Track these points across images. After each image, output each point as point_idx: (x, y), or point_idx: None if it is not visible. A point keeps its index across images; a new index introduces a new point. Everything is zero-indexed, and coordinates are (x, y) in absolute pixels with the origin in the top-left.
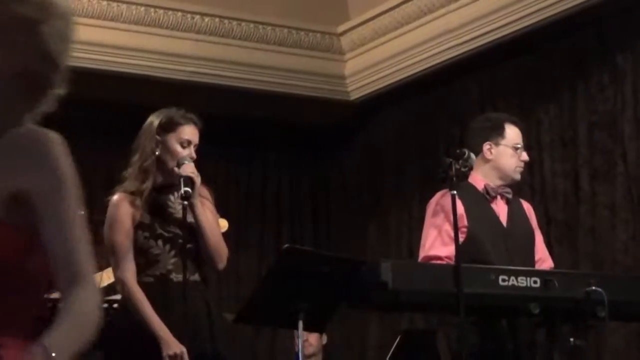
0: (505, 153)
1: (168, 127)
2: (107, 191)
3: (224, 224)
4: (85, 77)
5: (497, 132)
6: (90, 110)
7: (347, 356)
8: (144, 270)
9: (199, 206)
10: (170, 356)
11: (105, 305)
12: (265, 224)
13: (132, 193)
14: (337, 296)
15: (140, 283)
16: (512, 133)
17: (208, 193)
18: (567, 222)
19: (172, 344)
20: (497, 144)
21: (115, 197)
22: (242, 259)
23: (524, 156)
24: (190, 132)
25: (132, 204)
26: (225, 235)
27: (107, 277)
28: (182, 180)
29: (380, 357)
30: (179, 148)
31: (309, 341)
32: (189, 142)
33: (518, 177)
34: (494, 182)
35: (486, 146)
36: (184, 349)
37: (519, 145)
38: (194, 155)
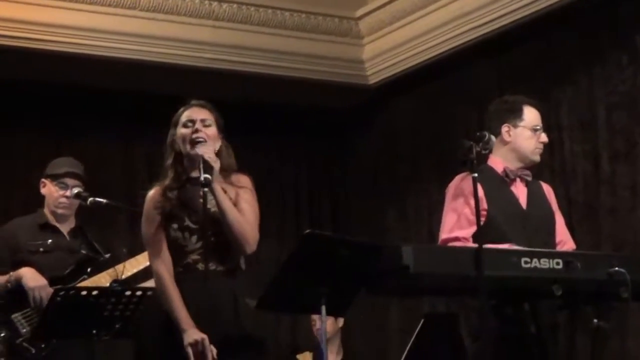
0: (524, 135)
1: (175, 122)
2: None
3: None
4: (100, 66)
5: (515, 114)
6: (109, 99)
7: (368, 341)
8: (175, 261)
9: (220, 192)
10: (191, 344)
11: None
12: (285, 209)
13: (166, 187)
14: (357, 281)
15: (174, 274)
16: (531, 115)
17: (248, 181)
18: (588, 204)
19: (192, 333)
20: (515, 126)
21: (150, 192)
22: (262, 245)
23: (543, 137)
24: (188, 113)
25: (165, 197)
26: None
27: (130, 266)
28: (201, 166)
29: (402, 341)
30: (184, 130)
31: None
32: (192, 121)
33: (537, 158)
34: (513, 164)
35: (504, 128)
36: (204, 336)
37: (538, 127)
38: (200, 128)
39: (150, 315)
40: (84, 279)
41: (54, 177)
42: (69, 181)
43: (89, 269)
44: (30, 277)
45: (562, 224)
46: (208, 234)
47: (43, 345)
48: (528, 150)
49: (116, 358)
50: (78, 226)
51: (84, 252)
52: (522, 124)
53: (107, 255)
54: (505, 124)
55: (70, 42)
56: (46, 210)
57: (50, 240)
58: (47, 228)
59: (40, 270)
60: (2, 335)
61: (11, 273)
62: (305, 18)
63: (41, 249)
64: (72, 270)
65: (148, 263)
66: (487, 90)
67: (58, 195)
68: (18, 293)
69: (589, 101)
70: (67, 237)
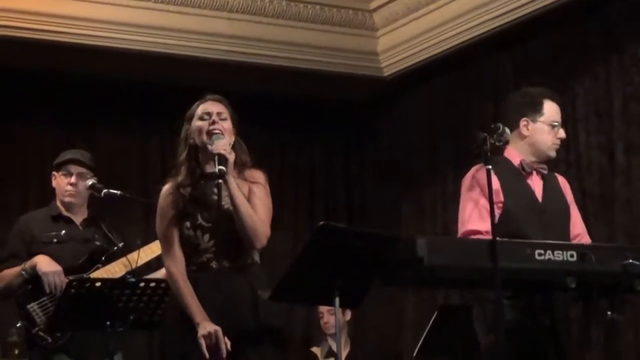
0: (542, 130)
1: (190, 116)
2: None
3: None
4: (115, 58)
5: (534, 109)
6: (123, 91)
7: (383, 332)
8: (189, 259)
9: (234, 185)
10: (204, 336)
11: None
12: (300, 201)
13: (179, 183)
14: (372, 272)
15: (187, 272)
16: (550, 110)
17: (262, 177)
18: (603, 195)
19: (206, 325)
20: (534, 121)
21: (164, 187)
22: (276, 236)
23: (561, 133)
24: (204, 107)
25: (178, 194)
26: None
27: (144, 254)
28: (215, 158)
29: (417, 333)
30: (200, 123)
31: (331, 322)
32: (208, 114)
33: (553, 154)
34: (529, 158)
35: (523, 122)
36: (218, 328)
37: (557, 123)
38: (217, 120)
39: (170, 308)
40: (98, 268)
41: (59, 167)
42: (72, 168)
43: (102, 258)
44: (45, 263)
45: (578, 217)
46: (221, 230)
47: (59, 334)
48: (545, 146)
49: (131, 348)
50: (91, 216)
51: (97, 242)
52: (541, 119)
53: (121, 244)
54: (524, 118)
55: (84, 34)
56: (58, 202)
57: (63, 231)
58: (60, 219)
59: (55, 260)
60: (18, 325)
61: (24, 263)
62: (320, 10)
63: (55, 240)
64: (85, 260)
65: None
66: (503, 82)
67: (64, 184)
68: (34, 282)
69: (605, 92)
70: (80, 227)
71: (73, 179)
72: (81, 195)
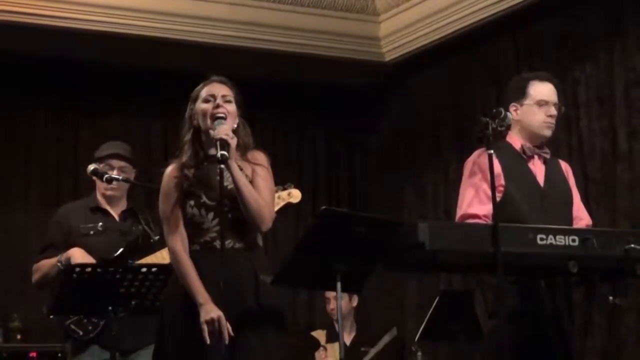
0: (530, 111)
1: (195, 97)
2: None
3: (297, 195)
4: (118, 43)
5: (519, 93)
6: (126, 77)
7: (385, 316)
8: (192, 238)
9: (236, 169)
10: (207, 321)
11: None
12: (302, 186)
13: (183, 164)
14: (374, 257)
15: (190, 251)
16: (536, 89)
17: (264, 159)
18: (605, 181)
19: (209, 310)
20: (521, 105)
21: (168, 168)
22: (279, 221)
23: (551, 111)
24: (209, 89)
25: (182, 174)
26: (292, 205)
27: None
28: (217, 143)
29: (419, 317)
30: (204, 105)
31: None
32: (213, 96)
33: (547, 133)
34: (527, 142)
35: (512, 108)
36: (221, 314)
37: (544, 101)
38: (222, 103)
39: (169, 292)
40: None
41: (100, 160)
42: (114, 162)
43: (136, 252)
44: (79, 256)
45: (579, 200)
46: (225, 210)
47: (90, 328)
48: (535, 126)
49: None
50: (129, 208)
51: (135, 234)
52: (526, 101)
53: (157, 238)
54: (513, 104)
55: (86, 19)
56: (97, 194)
57: (100, 223)
58: (98, 211)
59: (91, 252)
60: (52, 317)
61: (61, 255)
62: None
63: (92, 232)
64: (121, 252)
65: None
66: (505, 67)
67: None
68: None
69: (607, 78)
70: (118, 219)
71: (115, 174)
72: (123, 189)
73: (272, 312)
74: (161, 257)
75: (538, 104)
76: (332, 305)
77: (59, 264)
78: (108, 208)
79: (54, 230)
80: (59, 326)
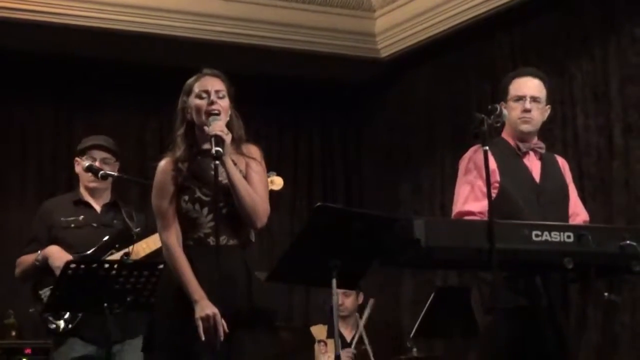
0: (511, 108)
1: (188, 90)
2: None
3: (278, 182)
4: (113, 39)
5: (504, 91)
6: (120, 73)
7: (381, 313)
8: (186, 233)
9: (231, 165)
10: (202, 318)
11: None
12: (298, 182)
13: (177, 158)
14: (369, 254)
15: (183, 246)
16: (515, 86)
17: (257, 152)
18: (601, 177)
19: (204, 307)
20: (506, 102)
21: (161, 163)
22: (274, 217)
23: (525, 105)
24: (202, 84)
25: (176, 169)
26: (275, 193)
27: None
28: (212, 139)
29: (414, 314)
30: (198, 101)
31: (345, 305)
32: (206, 92)
33: (523, 127)
34: (515, 139)
35: (502, 106)
36: (216, 311)
37: (520, 96)
38: (215, 100)
39: (162, 287)
40: (112, 254)
41: (81, 152)
42: (96, 153)
43: (117, 245)
44: (56, 256)
45: (575, 196)
46: (219, 205)
47: (67, 320)
48: (513, 122)
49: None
50: (112, 201)
51: (117, 227)
52: (508, 98)
53: (137, 230)
54: (502, 102)
55: (83, 16)
56: (82, 187)
57: (82, 217)
58: (81, 204)
59: (72, 245)
60: (31, 310)
61: (39, 252)
62: None
63: (72, 225)
64: (100, 246)
65: None
66: (501, 62)
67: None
68: (48, 269)
69: (603, 74)
70: (99, 211)
71: (97, 164)
72: (106, 181)
73: (264, 310)
74: (146, 245)
75: (515, 99)
76: (340, 301)
77: (36, 262)
78: (91, 201)
79: (37, 225)
80: (40, 320)
